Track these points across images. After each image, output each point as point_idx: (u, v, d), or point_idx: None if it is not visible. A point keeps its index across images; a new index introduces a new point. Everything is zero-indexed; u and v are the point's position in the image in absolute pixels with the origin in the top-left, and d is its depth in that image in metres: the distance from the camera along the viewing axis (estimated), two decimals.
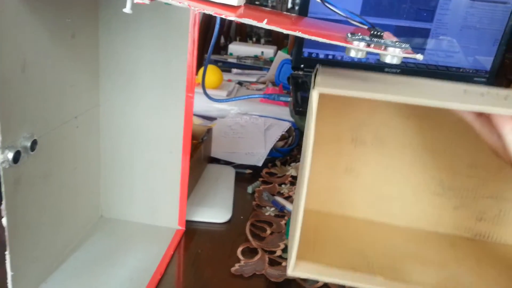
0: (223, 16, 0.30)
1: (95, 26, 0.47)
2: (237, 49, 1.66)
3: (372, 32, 0.31)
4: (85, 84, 0.47)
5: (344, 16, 0.34)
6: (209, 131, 0.71)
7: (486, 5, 0.66)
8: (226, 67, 1.42)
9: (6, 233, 0.37)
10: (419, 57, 0.30)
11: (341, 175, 0.45)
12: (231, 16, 0.31)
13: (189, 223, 0.56)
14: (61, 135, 0.43)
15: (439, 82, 0.39)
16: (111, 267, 0.47)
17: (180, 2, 0.31)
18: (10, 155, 0.34)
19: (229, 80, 1.24)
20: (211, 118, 0.93)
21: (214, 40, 0.51)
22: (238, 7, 0.33)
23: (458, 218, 0.44)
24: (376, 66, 0.72)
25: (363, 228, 0.45)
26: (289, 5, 2.68)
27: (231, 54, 1.65)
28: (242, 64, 1.50)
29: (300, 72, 0.71)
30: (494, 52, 0.71)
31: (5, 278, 0.38)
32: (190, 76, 0.49)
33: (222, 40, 2.01)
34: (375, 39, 0.31)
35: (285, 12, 0.42)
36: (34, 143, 0.37)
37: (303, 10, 0.69)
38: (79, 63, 0.45)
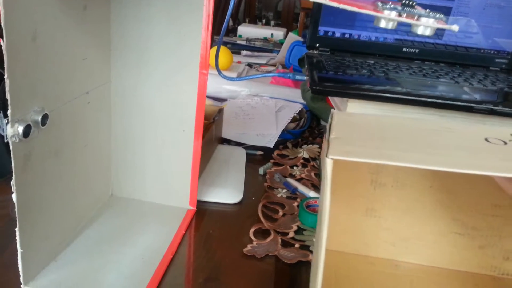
0: None
1: (107, 0, 0.45)
2: (246, 31, 1.63)
3: (403, 1, 0.29)
4: (96, 58, 0.46)
5: None
6: (220, 111, 0.69)
7: None
8: (235, 49, 1.40)
9: (16, 210, 0.36)
10: (455, 28, 0.28)
11: (362, 216, 0.45)
12: None
13: (200, 204, 0.55)
14: (72, 111, 0.42)
15: (456, 125, 0.37)
16: (122, 246, 0.46)
17: None
18: (20, 129, 0.33)
19: (239, 62, 1.22)
20: (221, 100, 0.92)
21: (228, 16, 0.49)
22: None
23: (484, 257, 0.44)
24: (394, 46, 0.70)
25: (385, 270, 0.45)
26: None
27: (240, 36, 1.62)
28: (251, 46, 1.48)
29: (315, 52, 0.69)
30: None
31: (15, 255, 0.37)
32: (204, 53, 0.47)
33: (231, 22, 1.97)
34: (407, 9, 0.29)
35: None
36: (45, 117, 0.36)
37: None
38: (90, 37, 0.44)
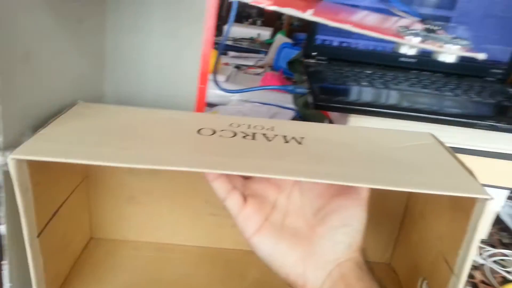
0: (262, 6, 0.27)
1: (102, 10, 0.43)
2: (233, 30, 1.60)
3: (426, 26, 0.28)
4: (90, 73, 0.43)
5: (390, 7, 0.30)
6: None
7: None
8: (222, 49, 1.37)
9: (5, 242, 0.33)
10: (482, 56, 0.27)
11: (124, 203, 0.47)
12: (269, 5, 0.27)
13: None
14: None
15: (182, 115, 0.40)
16: None
17: None
18: None
19: (227, 64, 1.20)
20: (211, 105, 0.89)
21: (229, 26, 0.47)
22: None
23: (236, 235, 0.46)
24: (391, 55, 0.69)
25: (149, 253, 0.47)
26: None
27: None
28: (238, 47, 1.45)
29: (312, 60, 0.68)
30: None
31: None
32: (204, 67, 0.45)
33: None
34: (431, 35, 0.27)
35: None
36: None
37: None
38: (85, 51, 0.41)
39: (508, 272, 0.51)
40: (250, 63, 1.29)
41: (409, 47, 0.28)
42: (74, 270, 0.43)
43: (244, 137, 0.35)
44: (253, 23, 1.85)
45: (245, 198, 0.36)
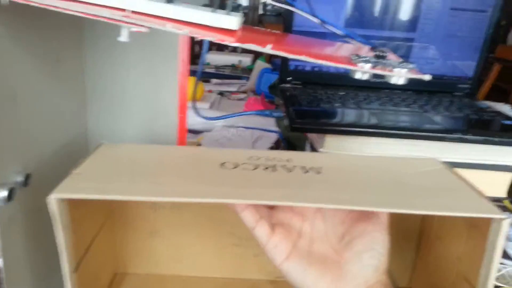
0: (225, 43, 0.29)
1: (80, 48, 0.46)
2: (214, 58, 1.65)
3: (376, 53, 0.31)
4: (72, 109, 0.45)
5: (343, 36, 0.33)
6: None
7: (466, 13, 0.68)
8: (205, 77, 1.41)
9: (3, 275, 0.35)
10: (427, 77, 0.30)
11: (148, 238, 0.48)
12: (232, 42, 0.30)
13: None
14: (51, 165, 0.41)
15: (204, 151, 0.42)
16: None
17: (180, 29, 0.30)
18: (5, 194, 0.32)
19: (210, 91, 1.23)
20: (196, 132, 0.92)
21: (203, 59, 0.50)
22: (236, 30, 0.32)
23: (259, 264, 0.49)
24: None
25: (173, 286, 0.48)
26: (261, 11, 2.67)
27: (208, 63, 1.63)
28: (220, 74, 1.49)
29: (288, 85, 0.71)
30: (476, 59, 0.72)
31: None
32: (182, 97, 0.48)
33: (197, 48, 1.98)
34: (381, 60, 0.30)
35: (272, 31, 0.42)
36: (27, 177, 0.36)
37: (288, 24, 0.68)
38: (65, 88, 0.43)
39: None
40: (233, 89, 1.32)
41: (362, 73, 0.31)
42: None
43: (265, 169, 0.37)
44: (234, 50, 1.90)
45: (272, 227, 0.37)
